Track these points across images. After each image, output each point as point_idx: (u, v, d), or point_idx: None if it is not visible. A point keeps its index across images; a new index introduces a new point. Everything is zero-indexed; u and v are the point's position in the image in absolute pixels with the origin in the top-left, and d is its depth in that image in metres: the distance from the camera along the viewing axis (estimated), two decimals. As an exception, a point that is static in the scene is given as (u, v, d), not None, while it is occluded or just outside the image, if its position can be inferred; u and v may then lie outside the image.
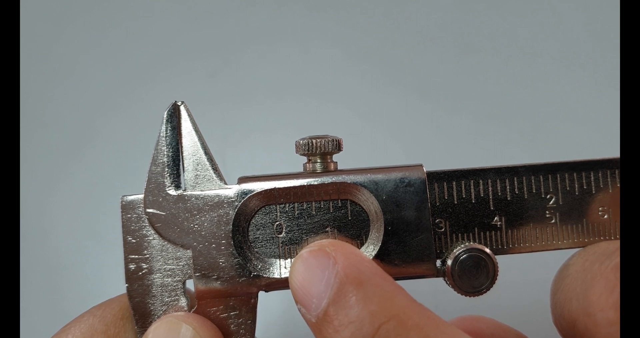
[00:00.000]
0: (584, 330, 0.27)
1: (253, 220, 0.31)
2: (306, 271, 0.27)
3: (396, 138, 0.59)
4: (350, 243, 0.31)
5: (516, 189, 0.31)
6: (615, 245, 0.29)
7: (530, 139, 0.58)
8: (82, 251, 0.57)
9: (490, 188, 0.31)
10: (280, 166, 0.35)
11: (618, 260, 0.27)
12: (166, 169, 0.30)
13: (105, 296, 0.32)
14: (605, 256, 0.28)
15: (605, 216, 0.32)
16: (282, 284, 0.30)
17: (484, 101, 0.59)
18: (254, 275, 0.30)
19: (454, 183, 0.31)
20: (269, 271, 0.30)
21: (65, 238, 0.58)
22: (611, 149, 0.36)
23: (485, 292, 0.30)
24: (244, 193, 0.30)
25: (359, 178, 0.31)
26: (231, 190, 0.30)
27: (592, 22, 0.61)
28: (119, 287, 0.30)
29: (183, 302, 0.30)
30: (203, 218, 0.30)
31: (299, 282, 0.28)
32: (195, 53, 0.62)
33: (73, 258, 0.57)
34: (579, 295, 0.28)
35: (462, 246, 0.31)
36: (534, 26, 0.61)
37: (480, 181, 0.31)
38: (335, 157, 0.33)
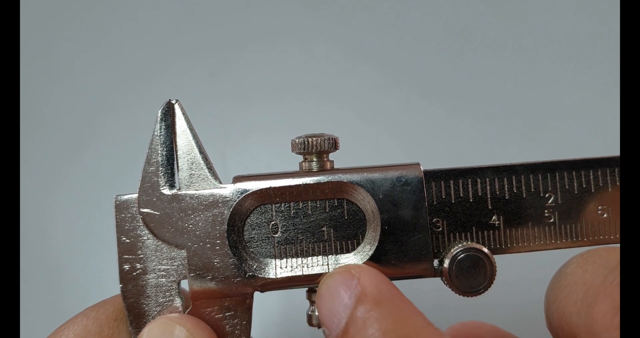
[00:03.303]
0: None
1: (248, 220, 0.31)
2: (330, 291, 0.28)
3: (396, 138, 0.58)
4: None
5: (514, 188, 0.31)
6: (616, 255, 0.28)
7: (530, 139, 0.58)
8: (82, 251, 0.57)
9: (488, 187, 0.31)
10: (280, 166, 0.34)
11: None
12: (160, 168, 0.30)
13: (104, 296, 0.32)
14: (608, 270, 0.27)
15: (605, 215, 0.31)
16: (278, 284, 0.30)
17: (483, 101, 0.59)
18: (249, 275, 0.30)
19: (452, 181, 0.31)
20: (264, 271, 0.30)
21: (65, 238, 0.58)
22: (611, 148, 0.35)
23: (483, 292, 0.30)
24: (239, 192, 0.30)
25: (355, 177, 0.30)
26: (226, 189, 0.30)
27: (592, 22, 0.60)
28: (118, 287, 0.30)
29: (177, 302, 0.30)
30: (198, 218, 0.30)
31: (324, 302, 0.28)
32: (195, 53, 0.62)
33: (73, 258, 0.57)
34: (580, 310, 0.27)
35: (460, 245, 0.30)
36: (534, 26, 0.60)
37: (478, 179, 0.31)
38: (333, 156, 0.32)
